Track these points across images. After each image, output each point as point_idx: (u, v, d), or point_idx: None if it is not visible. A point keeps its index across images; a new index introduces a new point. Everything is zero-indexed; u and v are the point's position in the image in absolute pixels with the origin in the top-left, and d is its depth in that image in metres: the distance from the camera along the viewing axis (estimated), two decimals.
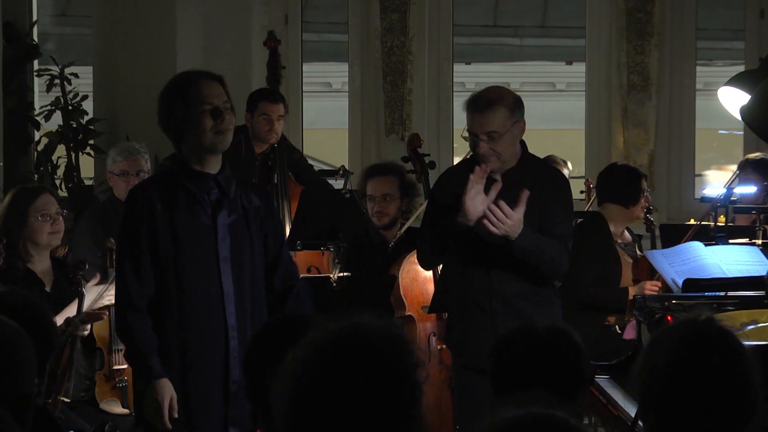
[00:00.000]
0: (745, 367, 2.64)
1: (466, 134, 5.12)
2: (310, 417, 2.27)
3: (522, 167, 5.15)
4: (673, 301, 5.14)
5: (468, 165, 5.18)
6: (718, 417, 2.61)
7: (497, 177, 5.08)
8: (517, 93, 5.32)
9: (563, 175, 5.44)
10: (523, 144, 5.19)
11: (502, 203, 4.91)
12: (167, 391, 4.44)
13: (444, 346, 6.18)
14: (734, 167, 7.17)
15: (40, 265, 5.47)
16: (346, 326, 2.34)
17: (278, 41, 7.23)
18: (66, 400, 5.23)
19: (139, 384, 4.60)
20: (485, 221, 4.89)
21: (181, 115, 4.47)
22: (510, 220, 4.90)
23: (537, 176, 5.18)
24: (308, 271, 6.57)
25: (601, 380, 5.02)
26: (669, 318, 4.76)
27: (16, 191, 5.56)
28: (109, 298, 5.62)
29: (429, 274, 6.10)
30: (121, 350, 5.64)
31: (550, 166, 5.49)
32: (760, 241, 5.90)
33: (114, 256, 5.78)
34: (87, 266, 5.63)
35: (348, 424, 2.25)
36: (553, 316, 5.17)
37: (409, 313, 6.17)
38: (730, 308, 4.95)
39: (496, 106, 5.04)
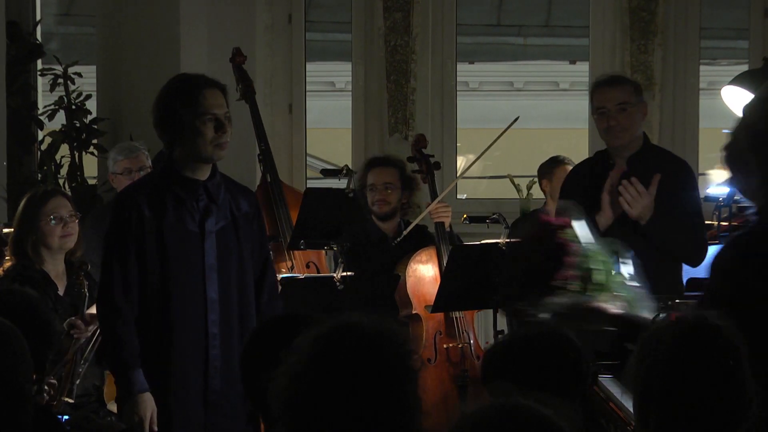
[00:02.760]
0: (740, 361, 2.65)
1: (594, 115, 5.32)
2: (308, 413, 2.28)
3: (645, 153, 5.22)
4: (676, 300, 5.13)
5: (594, 160, 5.28)
6: (716, 412, 2.62)
7: (622, 163, 5.17)
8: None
9: (687, 164, 5.49)
10: (644, 133, 5.33)
11: (635, 180, 4.95)
12: (149, 405, 4.41)
13: (450, 345, 6.20)
14: None
15: (54, 268, 5.47)
16: (337, 323, 2.36)
17: (244, 57, 7.22)
18: (70, 400, 5.23)
19: (122, 392, 4.57)
20: (621, 199, 4.94)
21: (181, 121, 4.43)
22: (643, 199, 4.93)
23: (663, 163, 5.23)
24: (307, 266, 6.57)
25: (605, 380, 5.02)
26: (673, 317, 4.76)
27: (29, 196, 5.57)
28: None
29: (436, 273, 6.11)
30: None
31: (675, 155, 5.54)
32: None
33: None
34: (90, 267, 5.63)
35: (346, 417, 2.26)
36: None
37: (415, 312, 6.19)
38: None
39: (624, 81, 5.36)
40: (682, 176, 5.27)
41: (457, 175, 8.43)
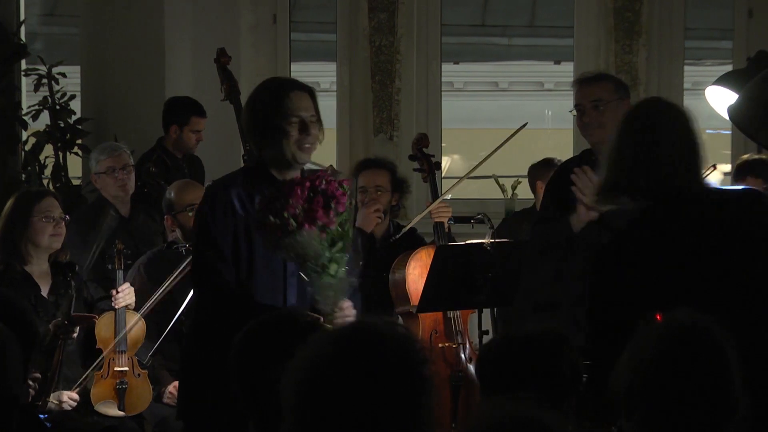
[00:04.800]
0: (727, 362, 2.66)
1: (574, 111, 5.27)
2: (322, 414, 2.26)
3: None
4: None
5: (580, 158, 5.26)
6: (702, 413, 2.63)
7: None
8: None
9: None
10: None
11: (587, 168, 4.93)
12: None
13: (446, 345, 6.19)
14: (723, 167, 7.17)
15: (38, 268, 5.48)
16: (356, 325, 2.35)
17: (229, 57, 7.21)
18: (55, 402, 5.22)
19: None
20: (573, 188, 4.91)
21: (266, 123, 4.45)
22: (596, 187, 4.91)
23: None
24: None
25: None
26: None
27: (20, 193, 5.61)
28: (124, 298, 5.63)
29: None
30: (124, 352, 5.63)
31: None
32: None
33: (122, 258, 5.78)
34: (77, 268, 5.64)
35: (361, 420, 2.25)
36: None
37: (412, 310, 6.17)
38: None
39: (602, 78, 5.32)
40: None
41: (443, 174, 8.43)
